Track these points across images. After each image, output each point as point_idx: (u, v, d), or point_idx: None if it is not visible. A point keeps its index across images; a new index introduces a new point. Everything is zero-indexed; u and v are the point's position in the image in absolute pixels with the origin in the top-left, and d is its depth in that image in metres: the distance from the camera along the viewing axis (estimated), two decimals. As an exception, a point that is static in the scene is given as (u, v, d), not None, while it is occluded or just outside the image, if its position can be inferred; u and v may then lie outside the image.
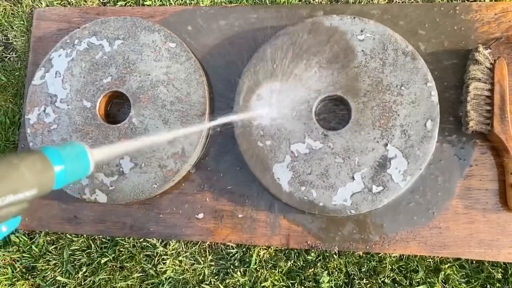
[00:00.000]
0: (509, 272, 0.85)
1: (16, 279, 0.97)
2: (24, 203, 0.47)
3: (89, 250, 0.96)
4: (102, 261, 0.95)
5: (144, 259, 0.95)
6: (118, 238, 0.96)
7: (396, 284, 0.87)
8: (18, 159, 0.46)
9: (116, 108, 1.00)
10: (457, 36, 0.92)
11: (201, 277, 0.93)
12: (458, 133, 0.89)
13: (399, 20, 0.94)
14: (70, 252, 0.96)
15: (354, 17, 0.89)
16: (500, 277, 0.85)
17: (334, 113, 0.91)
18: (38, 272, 0.97)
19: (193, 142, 0.90)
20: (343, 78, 0.87)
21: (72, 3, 1.08)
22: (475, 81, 0.86)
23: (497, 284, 0.85)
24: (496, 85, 0.85)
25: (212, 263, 0.93)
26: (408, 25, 0.93)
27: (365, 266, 0.88)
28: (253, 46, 0.96)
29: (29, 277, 0.97)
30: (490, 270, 0.85)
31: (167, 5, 1.03)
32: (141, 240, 0.95)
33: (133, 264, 0.94)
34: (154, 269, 0.94)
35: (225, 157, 0.94)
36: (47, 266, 0.97)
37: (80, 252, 0.96)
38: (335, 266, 0.89)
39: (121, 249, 0.95)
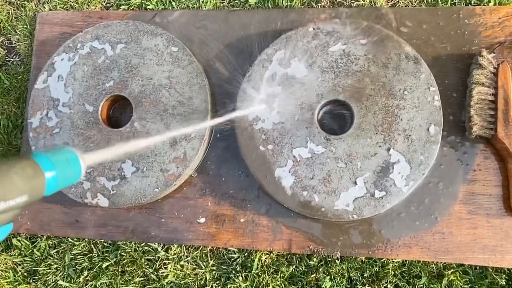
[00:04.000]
0: (513, 278, 0.84)
1: (17, 283, 0.97)
2: (15, 210, 0.47)
3: (91, 254, 0.96)
4: (104, 266, 0.95)
5: (145, 263, 0.94)
6: (119, 242, 0.95)
7: (398, 290, 0.87)
8: (8, 165, 0.45)
9: (119, 112, 1.00)
10: (460, 40, 0.92)
11: (202, 282, 0.92)
12: (461, 138, 0.88)
13: (402, 24, 0.93)
14: (72, 256, 0.96)
15: (357, 21, 0.89)
16: (504, 283, 0.84)
17: (337, 117, 0.91)
18: (40, 276, 0.97)
19: (195, 147, 0.89)
20: (346, 82, 0.87)
21: (75, 7, 1.08)
22: (479, 85, 0.85)
23: (501, 290, 0.84)
24: (500, 89, 0.84)
25: (214, 268, 0.93)
26: (411, 29, 0.93)
27: (368, 271, 0.88)
28: (255, 50, 0.95)
29: (31, 281, 0.97)
30: (494, 276, 0.85)
31: (169, 9, 1.03)
32: (143, 244, 0.95)
33: (134, 269, 0.94)
34: (156, 273, 0.93)
35: (227, 161, 0.94)
36: (48, 270, 0.96)
37: (82, 256, 0.96)
38: (337, 271, 0.88)
39: (122, 254, 0.95)
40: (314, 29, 0.90)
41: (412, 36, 0.93)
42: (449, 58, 0.91)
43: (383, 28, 0.88)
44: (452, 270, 0.86)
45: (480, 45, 0.91)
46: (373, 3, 0.98)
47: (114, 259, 0.95)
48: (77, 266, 0.96)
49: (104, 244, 0.97)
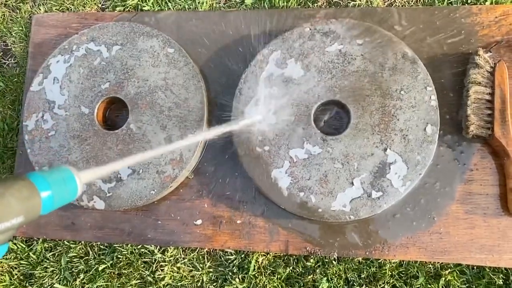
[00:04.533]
0: (511, 278, 0.84)
1: (13, 286, 0.97)
2: (10, 231, 0.47)
3: (87, 257, 0.96)
4: (100, 268, 0.94)
5: (142, 265, 0.94)
6: (116, 245, 0.95)
7: (396, 291, 0.87)
8: (3, 187, 0.45)
9: (115, 114, 0.99)
10: (457, 39, 0.92)
11: (199, 284, 0.92)
12: (458, 138, 0.88)
13: (398, 24, 0.93)
14: (68, 259, 0.96)
15: (353, 21, 0.89)
16: (502, 283, 0.84)
17: (334, 118, 0.91)
18: (36, 279, 0.96)
19: (191, 148, 0.89)
20: (342, 82, 0.87)
21: (71, 9, 1.08)
22: (476, 85, 0.85)
23: (499, 290, 0.84)
24: (497, 88, 0.84)
25: (211, 270, 0.92)
26: (407, 29, 0.93)
27: (365, 272, 0.88)
28: (252, 51, 0.95)
29: (27, 285, 0.97)
30: (491, 276, 0.84)
31: (165, 10, 1.03)
32: (139, 246, 0.94)
33: (131, 271, 0.94)
34: (152, 276, 0.93)
35: (224, 163, 0.93)
36: (44, 273, 0.96)
37: (78, 259, 0.96)
38: (335, 272, 0.88)
39: (119, 256, 0.94)
40: (310, 29, 0.90)
41: (408, 35, 0.92)
42: (446, 58, 0.91)
43: (379, 28, 0.88)
44: (449, 270, 0.86)
45: (476, 44, 0.91)
46: (369, 3, 0.98)
47: (111, 262, 0.95)
48: (73, 269, 0.96)
49: (101, 246, 0.96)
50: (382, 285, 0.86)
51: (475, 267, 0.86)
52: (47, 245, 0.98)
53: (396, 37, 0.88)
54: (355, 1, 0.98)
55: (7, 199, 0.45)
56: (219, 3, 1.03)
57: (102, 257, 0.96)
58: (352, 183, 0.83)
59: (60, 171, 0.52)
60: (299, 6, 1.00)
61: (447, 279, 0.85)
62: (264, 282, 0.89)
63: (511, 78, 0.87)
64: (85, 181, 0.54)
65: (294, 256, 0.90)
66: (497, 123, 0.83)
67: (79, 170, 0.53)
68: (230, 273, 0.91)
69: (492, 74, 0.85)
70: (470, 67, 0.87)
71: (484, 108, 0.85)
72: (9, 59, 1.11)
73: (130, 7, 1.05)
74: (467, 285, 0.85)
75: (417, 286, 0.85)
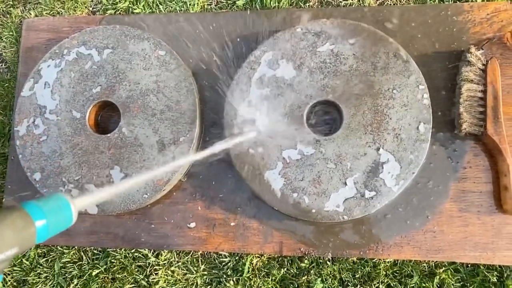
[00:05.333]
0: (505, 275, 0.84)
1: (7, 292, 0.97)
2: (5, 263, 0.47)
3: (81, 262, 0.95)
4: (94, 273, 0.94)
5: (136, 270, 0.93)
6: (109, 249, 0.94)
7: (392, 290, 0.86)
8: None
9: (107, 118, 0.99)
10: (449, 37, 0.91)
11: (194, 287, 0.91)
12: (451, 136, 0.88)
13: (390, 23, 0.93)
14: (61, 265, 0.95)
15: (345, 21, 0.89)
16: (496, 280, 0.83)
17: (326, 118, 0.91)
18: (29, 286, 0.96)
19: (183, 151, 0.89)
20: (334, 82, 0.86)
21: (61, 13, 1.07)
22: (468, 82, 0.85)
23: (493, 288, 0.83)
24: (489, 86, 0.84)
25: (205, 273, 0.92)
26: (399, 27, 0.93)
27: (359, 272, 0.87)
28: (243, 52, 0.95)
29: (21, 291, 0.97)
30: (486, 273, 0.84)
31: (157, 13, 1.03)
32: (133, 250, 0.94)
33: (125, 275, 0.93)
34: (147, 279, 0.93)
35: (217, 165, 0.93)
36: (38, 279, 0.95)
37: (71, 264, 0.95)
38: (329, 272, 0.88)
39: (112, 261, 0.94)
40: (302, 29, 0.90)
41: (400, 34, 0.92)
42: (437, 56, 0.91)
43: (371, 27, 0.88)
44: (443, 268, 0.85)
45: (468, 42, 0.91)
46: (361, 2, 0.98)
47: (104, 266, 0.94)
48: (66, 275, 0.95)
49: (94, 251, 0.96)
50: (377, 285, 0.86)
51: (469, 265, 0.86)
52: (40, 251, 0.97)
53: (387, 36, 0.87)
54: (347, 1, 0.98)
55: (2, 232, 0.45)
56: (211, 4, 1.03)
57: (96, 262, 0.95)
58: (345, 183, 0.83)
59: (55, 199, 0.52)
60: (290, 6, 1.00)
61: (441, 278, 0.85)
62: (258, 284, 0.89)
63: (503, 76, 0.87)
64: (80, 207, 0.54)
65: (288, 258, 0.90)
66: (489, 121, 0.83)
67: (73, 197, 0.53)
68: (225, 276, 0.90)
69: (484, 71, 0.85)
70: (462, 64, 0.87)
71: (477, 105, 0.85)
72: (0, 64, 1.10)
73: (121, 10, 1.05)
74: (461, 283, 0.85)
75: (412, 285, 0.85)
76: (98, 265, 0.95)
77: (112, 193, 0.58)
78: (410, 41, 0.92)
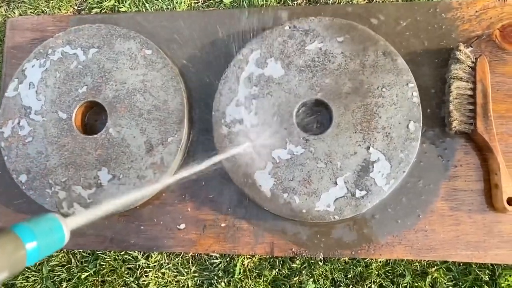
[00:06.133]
0: (497, 274, 0.84)
1: (-6, 297, 0.95)
2: None
3: (69, 265, 0.94)
4: (83, 276, 0.92)
5: (126, 272, 0.92)
6: (98, 252, 0.93)
7: (383, 290, 0.86)
8: None
9: (94, 118, 0.97)
10: (438, 35, 0.91)
11: (184, 289, 0.91)
12: (441, 134, 0.87)
13: (379, 20, 0.92)
14: (50, 268, 0.94)
15: (333, 19, 0.88)
16: (488, 279, 0.83)
17: (316, 117, 0.90)
18: (17, 290, 0.94)
19: (172, 151, 0.88)
20: (323, 81, 0.85)
21: (46, 12, 1.05)
22: (457, 80, 0.85)
23: (485, 287, 0.83)
24: (478, 84, 0.84)
25: (196, 274, 0.91)
26: (388, 25, 0.92)
27: (351, 272, 0.87)
28: (232, 50, 0.94)
29: (8, 295, 0.95)
30: (478, 272, 0.84)
31: (143, 11, 1.01)
32: (122, 253, 0.93)
33: (114, 278, 0.92)
34: (137, 282, 0.91)
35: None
36: (26, 283, 0.94)
37: (60, 267, 0.94)
38: (321, 273, 0.87)
39: (102, 263, 0.93)
40: (290, 27, 0.89)
41: (389, 32, 0.92)
42: (426, 53, 0.90)
43: (359, 25, 0.87)
44: (435, 267, 0.85)
45: (457, 39, 0.90)
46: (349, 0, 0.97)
47: (94, 269, 0.93)
48: (55, 278, 0.94)
49: (83, 254, 0.95)
50: (369, 285, 0.86)
51: (461, 264, 0.86)
52: (28, 255, 0.96)
53: (376, 33, 0.87)
54: (335, -2, 0.97)
55: None
56: (198, 2, 1.01)
57: (85, 264, 0.94)
58: (336, 183, 0.82)
59: (47, 219, 0.51)
60: (278, 4, 0.99)
61: (433, 277, 0.85)
62: (250, 285, 0.88)
63: (493, 73, 0.86)
64: (72, 227, 0.53)
65: (280, 258, 0.89)
66: (479, 119, 0.82)
67: (66, 217, 0.53)
68: (216, 277, 0.90)
69: (474, 69, 0.85)
70: (452, 62, 0.86)
71: (466, 103, 0.84)
72: (-16, 65, 1.08)
73: (107, 9, 1.03)
74: (453, 282, 0.85)
75: (404, 284, 0.85)
76: (87, 268, 0.93)
77: (104, 211, 0.58)
78: (398, 39, 0.91)
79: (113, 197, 0.86)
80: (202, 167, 0.77)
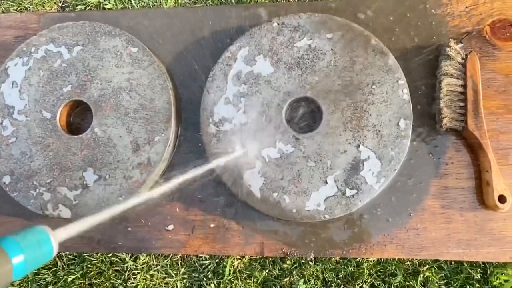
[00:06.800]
0: (488, 272, 0.83)
1: (-22, 302, 0.93)
2: None
3: (55, 268, 0.92)
4: (69, 279, 0.90)
5: (113, 274, 0.91)
6: (85, 254, 0.91)
7: (375, 289, 0.85)
8: None
9: (79, 118, 0.95)
10: (427, 31, 0.90)
11: (173, 291, 0.89)
12: (432, 131, 0.86)
13: (368, 16, 0.91)
14: (35, 271, 0.92)
15: (322, 15, 0.86)
16: (479, 277, 0.83)
17: (305, 115, 0.88)
18: (1, 294, 0.92)
19: (159, 151, 0.86)
20: (313, 78, 0.84)
21: (29, 9, 1.03)
22: (448, 77, 0.84)
23: (477, 285, 0.83)
24: (469, 80, 0.83)
25: (185, 276, 0.89)
26: (377, 22, 0.91)
27: (342, 272, 0.86)
28: (220, 47, 0.92)
29: (-7, 299, 0.93)
30: (469, 270, 0.84)
31: (129, 8, 0.99)
32: (110, 255, 0.91)
33: (102, 281, 0.90)
34: (125, 284, 0.90)
35: (194, 165, 0.90)
36: (11, 287, 0.92)
37: (46, 270, 0.92)
38: (312, 273, 0.86)
39: (89, 266, 0.91)
40: (278, 24, 0.87)
41: (378, 28, 0.90)
42: (416, 50, 0.89)
43: (349, 22, 0.86)
44: (427, 266, 0.85)
45: (448, 36, 0.89)
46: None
47: (80, 272, 0.91)
48: (41, 281, 0.92)
49: (69, 256, 0.93)
50: (360, 284, 0.85)
51: (453, 262, 0.85)
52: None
53: (366, 30, 0.86)
54: (325, -6, 0.96)
55: None
56: (185, -1, 1.00)
57: (71, 267, 0.92)
58: (326, 182, 0.81)
59: (34, 232, 0.49)
60: (266, 1, 0.97)
61: (425, 276, 0.84)
62: (240, 286, 0.87)
63: (483, 69, 0.86)
64: (61, 239, 0.51)
65: (270, 259, 0.88)
66: (470, 116, 0.82)
67: (54, 229, 0.51)
68: (205, 279, 0.88)
69: (464, 65, 0.84)
70: (442, 59, 0.85)
71: (457, 100, 0.84)
72: (-34, 63, 1.06)
73: (92, 6, 1.01)
74: (445, 280, 0.84)
75: (396, 284, 0.84)
76: (73, 271, 0.91)
77: (95, 222, 0.57)
78: (388, 35, 0.90)
79: (103, 207, 0.85)
80: (192, 175, 0.75)
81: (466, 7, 0.90)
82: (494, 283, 0.82)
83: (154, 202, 0.87)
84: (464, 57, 0.84)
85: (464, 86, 0.83)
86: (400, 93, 0.82)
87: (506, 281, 0.82)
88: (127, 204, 0.65)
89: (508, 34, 0.88)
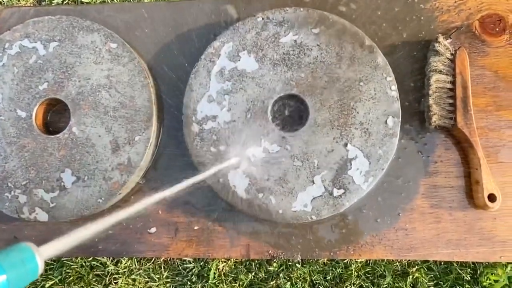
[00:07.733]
0: (478, 272, 0.82)
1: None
2: None
3: (32, 274, 0.89)
4: (47, 285, 0.87)
5: (94, 279, 0.87)
6: (64, 259, 0.88)
7: (363, 291, 0.83)
8: None
9: (57, 117, 0.91)
10: (416, 26, 0.88)
11: (156, 296, 0.86)
12: (420, 129, 0.85)
13: (355, 12, 0.89)
14: (11, 277, 0.88)
15: (308, 9, 0.84)
16: (469, 278, 0.81)
17: (291, 113, 0.86)
18: (-24, 301, 0.88)
19: (139, 151, 0.83)
20: (299, 75, 0.82)
21: (3, 3, 0.99)
22: (437, 73, 0.82)
23: (467, 285, 0.81)
24: (458, 76, 0.81)
25: (168, 280, 0.87)
26: (365, 17, 0.89)
27: (330, 273, 0.84)
28: (203, 43, 0.89)
29: (-33, 307, 0.89)
30: (459, 271, 0.82)
31: (108, 2, 0.95)
32: (90, 259, 0.88)
33: (82, 286, 0.87)
34: (105, 289, 0.87)
35: (178, 166, 0.87)
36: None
37: (22, 276, 0.88)
38: (299, 275, 0.84)
39: (68, 271, 0.88)
40: (263, 18, 0.84)
41: (366, 23, 0.88)
42: (404, 45, 0.87)
43: (336, 16, 0.83)
44: (416, 267, 0.83)
45: (436, 31, 0.87)
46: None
47: (59, 277, 0.88)
48: (17, 288, 0.88)
49: (47, 261, 0.89)
50: (349, 286, 0.83)
51: (442, 263, 0.83)
52: (-13, 263, 0.90)
53: (353, 25, 0.83)
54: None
55: None
56: (167, -7, 0.96)
57: (50, 272, 0.89)
58: (313, 181, 0.79)
59: (18, 250, 0.46)
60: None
61: (414, 277, 0.82)
62: (225, 290, 0.84)
63: (472, 66, 0.84)
64: (47, 257, 0.48)
65: (256, 261, 0.86)
66: (459, 113, 0.80)
67: (39, 246, 0.48)
68: (189, 283, 0.86)
69: (453, 61, 0.82)
70: (431, 54, 0.83)
71: (446, 97, 0.82)
72: None
73: (69, 0, 0.97)
74: (435, 281, 0.83)
75: (385, 285, 0.82)
76: (52, 276, 0.88)
77: (82, 237, 0.54)
78: (376, 31, 0.88)
79: (85, 215, 0.82)
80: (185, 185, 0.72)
81: (455, 2, 0.88)
82: (484, 283, 0.80)
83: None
84: (453, 52, 0.83)
85: (453, 82, 0.81)
86: (388, 90, 0.80)
87: (496, 281, 0.80)
88: (119, 216, 0.62)
89: (497, 29, 0.86)
